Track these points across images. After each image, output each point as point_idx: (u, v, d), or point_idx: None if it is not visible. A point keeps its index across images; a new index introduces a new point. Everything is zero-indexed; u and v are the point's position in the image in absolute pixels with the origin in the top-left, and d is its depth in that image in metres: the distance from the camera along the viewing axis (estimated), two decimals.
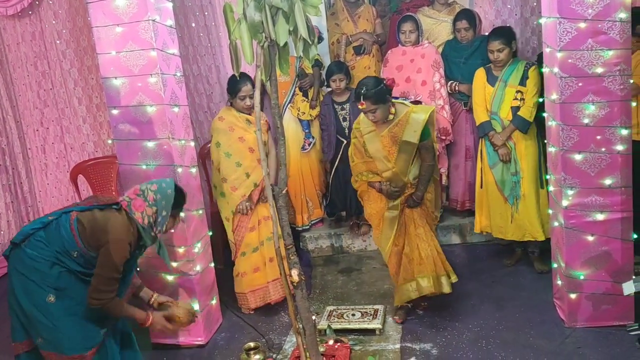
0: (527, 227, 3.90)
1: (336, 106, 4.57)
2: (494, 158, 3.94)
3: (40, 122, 5.28)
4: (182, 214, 3.01)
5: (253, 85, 3.70)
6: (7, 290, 2.62)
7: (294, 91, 4.70)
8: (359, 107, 3.33)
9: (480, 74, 4.02)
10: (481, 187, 4.05)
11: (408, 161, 3.38)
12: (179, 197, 2.75)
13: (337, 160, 4.61)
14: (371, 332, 3.45)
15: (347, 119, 4.57)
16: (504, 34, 3.91)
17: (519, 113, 3.83)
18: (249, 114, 3.79)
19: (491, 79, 3.95)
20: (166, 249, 2.87)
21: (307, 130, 4.71)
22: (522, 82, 3.83)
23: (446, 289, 3.40)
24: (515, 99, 3.85)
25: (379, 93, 3.26)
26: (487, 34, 4.71)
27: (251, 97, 3.71)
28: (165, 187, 2.69)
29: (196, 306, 3.43)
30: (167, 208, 2.67)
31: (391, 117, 3.38)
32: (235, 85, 3.72)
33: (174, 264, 3.38)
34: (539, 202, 3.88)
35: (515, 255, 4.17)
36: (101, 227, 2.54)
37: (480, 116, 4.00)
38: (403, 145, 3.36)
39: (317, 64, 4.64)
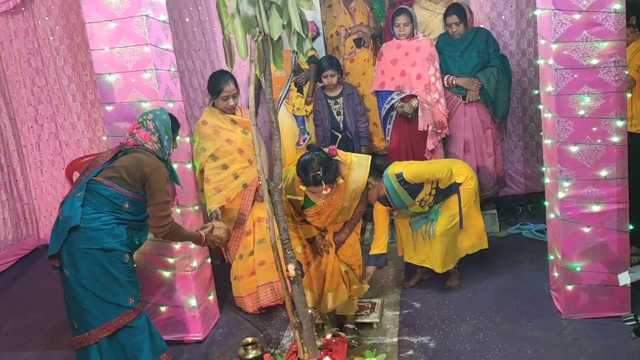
0: (429, 256, 3.69)
1: (329, 101, 4.57)
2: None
3: (34, 119, 5.25)
4: (179, 139, 3.23)
5: (236, 85, 3.66)
6: (69, 285, 2.68)
7: (289, 86, 4.67)
8: (324, 192, 2.90)
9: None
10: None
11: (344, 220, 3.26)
12: (173, 122, 3.00)
13: None
14: (368, 325, 3.45)
15: (341, 112, 4.58)
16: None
17: (404, 176, 3.52)
18: (233, 114, 3.70)
19: (399, 210, 3.66)
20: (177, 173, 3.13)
21: (302, 126, 4.70)
22: (413, 193, 3.54)
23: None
24: (424, 202, 3.59)
25: (336, 170, 2.98)
26: (481, 26, 4.72)
27: (234, 97, 3.63)
28: (160, 114, 2.95)
29: (193, 302, 3.43)
30: (167, 132, 2.93)
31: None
32: (217, 85, 3.61)
33: (170, 260, 3.37)
34: (450, 241, 3.67)
35: (417, 276, 3.94)
36: (135, 169, 2.76)
37: (374, 245, 3.58)
38: (343, 210, 3.16)
39: (313, 59, 4.62)
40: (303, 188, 3.01)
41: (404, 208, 3.64)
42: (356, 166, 3.12)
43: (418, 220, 3.73)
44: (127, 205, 2.75)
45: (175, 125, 3.04)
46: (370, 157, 3.24)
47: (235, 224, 3.68)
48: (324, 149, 3.09)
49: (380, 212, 3.62)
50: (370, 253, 3.58)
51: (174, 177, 3.08)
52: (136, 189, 2.77)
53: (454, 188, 3.62)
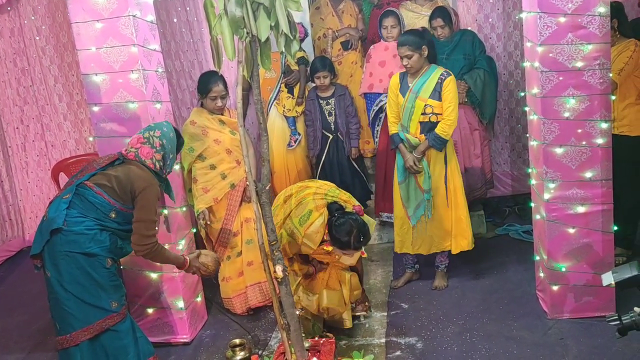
0: (435, 241, 3.74)
1: (321, 101, 4.58)
2: (402, 175, 3.71)
3: (20, 120, 5.20)
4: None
5: (225, 86, 3.65)
6: (51, 286, 2.65)
7: (280, 88, 4.68)
8: (362, 255, 3.11)
9: (394, 81, 3.71)
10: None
11: None
12: (178, 138, 2.96)
13: (324, 155, 4.63)
14: (357, 324, 3.46)
15: (333, 113, 4.58)
16: (411, 39, 3.53)
17: (436, 130, 3.54)
18: (221, 114, 3.69)
19: (404, 88, 3.63)
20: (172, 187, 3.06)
21: (293, 127, 4.70)
22: (434, 95, 3.52)
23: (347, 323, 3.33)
24: (424, 113, 3.56)
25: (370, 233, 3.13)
26: (468, 28, 4.76)
27: (222, 97, 3.62)
28: (167, 131, 2.88)
29: (181, 304, 3.42)
30: (173, 151, 2.90)
31: None
32: (206, 85, 3.61)
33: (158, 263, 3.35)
34: (449, 218, 3.71)
35: (405, 276, 3.97)
36: (127, 181, 2.70)
37: (390, 127, 3.76)
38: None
39: (303, 61, 4.63)
40: (329, 248, 3.07)
41: (413, 95, 3.57)
42: None
43: (417, 209, 3.71)
44: (113, 215, 2.70)
45: (180, 142, 2.99)
46: (375, 223, 3.28)
47: (222, 225, 3.68)
48: (349, 210, 3.13)
49: (392, 89, 3.69)
50: (392, 133, 3.74)
51: (169, 192, 3.02)
52: (125, 201, 2.72)
53: (442, 142, 3.59)
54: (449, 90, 3.53)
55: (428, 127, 3.60)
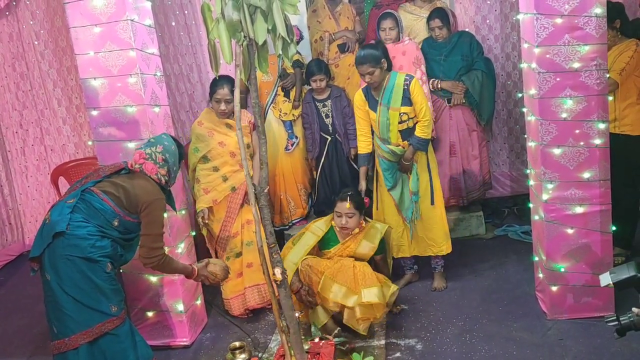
0: (428, 243, 3.80)
1: (318, 104, 4.58)
2: (391, 181, 3.73)
3: (19, 124, 5.21)
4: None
5: (231, 91, 3.62)
6: (50, 289, 2.64)
7: (276, 91, 4.68)
8: (347, 206, 3.40)
9: (359, 98, 3.68)
10: (377, 208, 3.89)
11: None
12: (179, 149, 2.96)
13: (323, 157, 4.63)
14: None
15: (330, 115, 4.59)
16: (370, 55, 3.48)
17: (416, 134, 3.58)
18: (226, 118, 3.68)
19: (372, 103, 3.64)
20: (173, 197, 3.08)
21: (289, 131, 4.70)
22: (404, 102, 3.54)
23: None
24: (402, 121, 3.59)
25: (362, 203, 3.48)
26: (466, 29, 4.77)
27: (227, 101, 3.59)
28: (169, 145, 2.89)
29: (180, 307, 3.42)
30: (176, 163, 2.92)
31: (356, 230, 3.50)
32: (212, 86, 3.63)
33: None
34: (435, 219, 3.77)
35: (405, 278, 3.97)
36: (134, 194, 2.73)
37: (359, 146, 3.80)
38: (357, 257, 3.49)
39: (298, 64, 4.63)
40: (333, 223, 3.46)
41: (385, 108, 3.59)
42: (372, 230, 3.53)
43: (407, 210, 3.74)
44: (116, 223, 2.71)
45: (181, 152, 3.00)
46: (387, 226, 3.56)
47: (221, 229, 3.68)
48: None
49: (359, 107, 3.71)
50: (360, 153, 3.84)
51: (171, 203, 3.03)
52: (130, 212, 2.74)
53: (426, 143, 3.64)
54: (416, 92, 3.55)
55: (408, 133, 3.63)
